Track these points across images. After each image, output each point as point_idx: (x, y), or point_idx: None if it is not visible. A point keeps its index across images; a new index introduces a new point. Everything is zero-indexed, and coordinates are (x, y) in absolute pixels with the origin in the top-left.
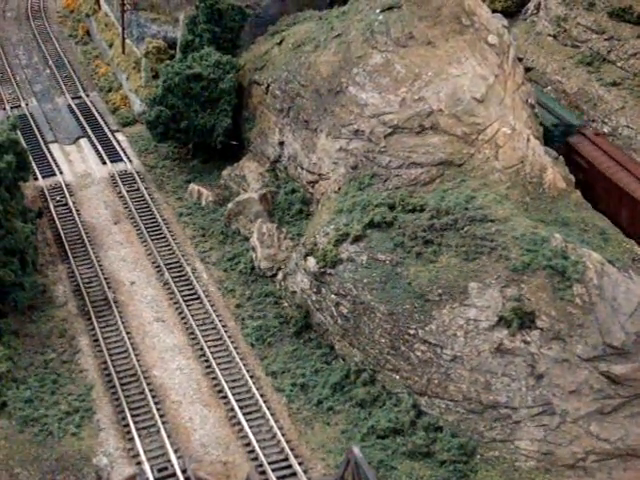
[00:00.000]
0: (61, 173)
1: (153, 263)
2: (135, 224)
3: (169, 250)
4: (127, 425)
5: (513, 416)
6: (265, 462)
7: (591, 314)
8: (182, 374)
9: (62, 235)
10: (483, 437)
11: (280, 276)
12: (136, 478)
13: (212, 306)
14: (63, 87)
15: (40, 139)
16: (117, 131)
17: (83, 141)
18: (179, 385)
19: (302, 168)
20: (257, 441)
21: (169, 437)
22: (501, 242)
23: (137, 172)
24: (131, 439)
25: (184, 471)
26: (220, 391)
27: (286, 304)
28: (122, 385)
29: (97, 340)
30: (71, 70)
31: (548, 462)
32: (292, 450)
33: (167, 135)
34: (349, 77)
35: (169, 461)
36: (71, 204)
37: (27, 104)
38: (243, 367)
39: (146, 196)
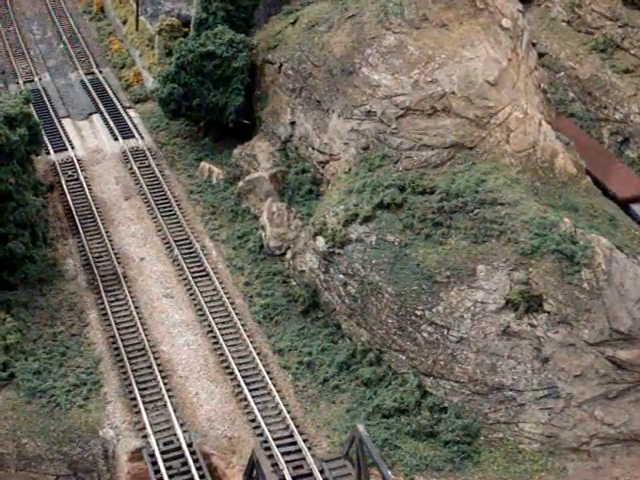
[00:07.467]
0: (73, 148)
1: (163, 239)
2: (146, 200)
3: (179, 227)
4: (134, 399)
5: (518, 399)
6: (270, 438)
7: (598, 299)
8: (190, 349)
9: (73, 209)
10: (487, 419)
11: (289, 255)
12: (142, 451)
13: (220, 283)
14: (76, 63)
15: (53, 114)
16: (129, 107)
17: (95, 117)
18: (186, 360)
19: (313, 148)
20: (263, 417)
21: (175, 411)
22: (510, 226)
23: (148, 149)
24: (138, 412)
25: (190, 445)
26: (227, 367)
27: (294, 283)
28: (130, 359)
29: (106, 314)
30: (85, 46)
31: (552, 445)
32: (297, 427)
33: (179, 112)
34: (362, 58)
35: (175, 435)
36: (82, 179)
37: (40, 79)
38: (250, 344)
39: (157, 173)
